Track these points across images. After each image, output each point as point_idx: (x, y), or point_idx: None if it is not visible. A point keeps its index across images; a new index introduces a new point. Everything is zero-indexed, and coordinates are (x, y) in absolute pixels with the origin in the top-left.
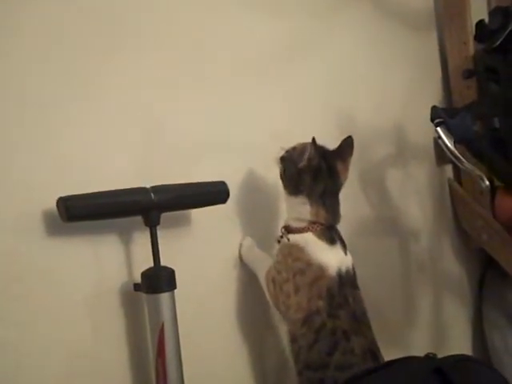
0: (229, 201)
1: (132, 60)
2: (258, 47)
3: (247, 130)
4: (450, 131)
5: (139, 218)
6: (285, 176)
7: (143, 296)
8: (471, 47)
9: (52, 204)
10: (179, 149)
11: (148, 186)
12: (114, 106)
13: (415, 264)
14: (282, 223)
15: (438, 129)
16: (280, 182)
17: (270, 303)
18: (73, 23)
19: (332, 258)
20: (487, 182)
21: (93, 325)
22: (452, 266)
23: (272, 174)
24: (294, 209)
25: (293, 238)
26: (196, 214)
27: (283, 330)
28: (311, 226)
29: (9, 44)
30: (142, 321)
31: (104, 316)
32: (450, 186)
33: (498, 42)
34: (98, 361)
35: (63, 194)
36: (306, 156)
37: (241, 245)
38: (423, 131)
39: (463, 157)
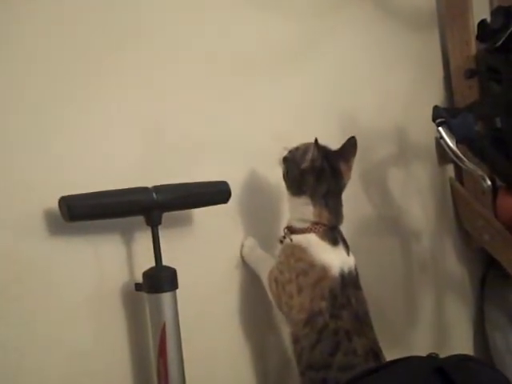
0: (231, 201)
1: (133, 60)
2: (260, 47)
3: (249, 129)
4: (451, 131)
5: (141, 218)
6: (288, 176)
7: (145, 296)
8: (473, 47)
9: (53, 204)
10: (181, 148)
11: (150, 185)
12: (115, 106)
13: (417, 264)
14: (284, 223)
15: (440, 129)
16: (283, 183)
17: (273, 303)
18: (73, 23)
19: (335, 259)
20: (489, 182)
21: (94, 325)
22: (454, 265)
23: (274, 174)
24: (296, 209)
25: (295, 238)
26: (198, 213)
27: (285, 331)
28: (314, 227)
29: (9, 44)
30: (143, 321)
31: (105, 316)
32: (452, 186)
33: (500, 42)
34: (99, 361)
35: (65, 194)
36: (309, 157)
37: (243, 245)
38: (425, 131)
39: (465, 157)
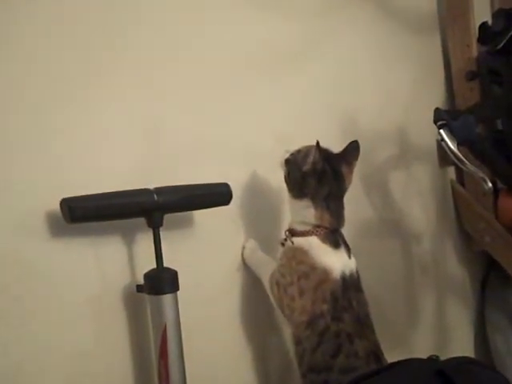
0: (232, 203)
1: (133, 60)
2: (261, 47)
3: (251, 132)
4: (452, 133)
5: (142, 220)
6: (289, 179)
7: (146, 297)
8: (474, 49)
9: (54, 205)
10: (182, 150)
11: (151, 187)
12: (115, 106)
13: (418, 266)
14: (285, 226)
15: (441, 131)
16: (284, 185)
17: (274, 305)
18: (73, 24)
19: (336, 262)
20: (490, 184)
21: (95, 326)
22: (454, 267)
23: (276, 177)
24: (298, 212)
25: (297, 241)
26: (199, 215)
27: (287, 332)
28: (315, 230)
29: (9, 44)
30: (144, 322)
31: (106, 317)
32: (453, 188)
33: (501, 44)
34: (100, 362)
35: (66, 196)
36: (311, 159)
37: (244, 247)
38: (426, 133)
39: (466, 159)
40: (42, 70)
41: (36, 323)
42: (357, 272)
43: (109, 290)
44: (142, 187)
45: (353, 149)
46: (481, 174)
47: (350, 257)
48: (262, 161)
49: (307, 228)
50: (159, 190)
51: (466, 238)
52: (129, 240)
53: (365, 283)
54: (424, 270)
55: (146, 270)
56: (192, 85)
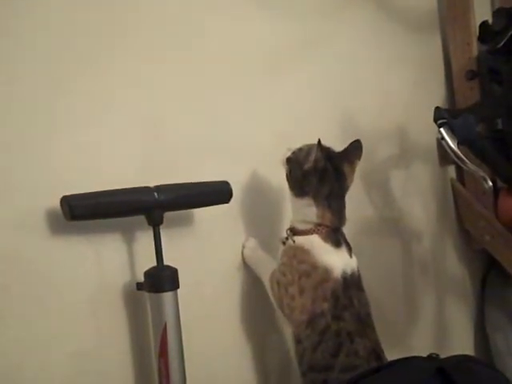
0: (232, 201)
1: (134, 60)
2: (262, 47)
3: (251, 130)
4: (453, 132)
5: (142, 218)
6: (290, 177)
7: (146, 295)
8: (474, 48)
9: (54, 203)
10: (183, 148)
11: (151, 185)
12: (116, 106)
13: (418, 264)
14: (285, 225)
15: (441, 130)
16: (285, 183)
17: (274, 305)
18: (73, 23)
19: (337, 261)
20: (490, 183)
21: (95, 324)
22: (454, 266)
23: (277, 175)
24: (299, 210)
25: (298, 239)
26: (199, 213)
27: (287, 331)
28: (317, 228)
29: (9, 45)
30: (144, 320)
31: (106, 315)
32: (453, 187)
33: (502, 43)
34: (100, 360)
35: (66, 193)
36: (312, 158)
37: (244, 246)
38: (426, 132)
39: (466, 158)
40: (41, 69)
41: (36, 321)
42: (358, 271)
43: (109, 288)
44: (142, 185)
45: (355, 148)
46: (481, 173)
47: (351, 256)
48: (263, 159)
49: (308, 226)
50: (159, 188)
51: (466, 236)
52: (129, 238)
53: (364, 281)
54: (424, 269)
55: (146, 268)
56: (194, 83)
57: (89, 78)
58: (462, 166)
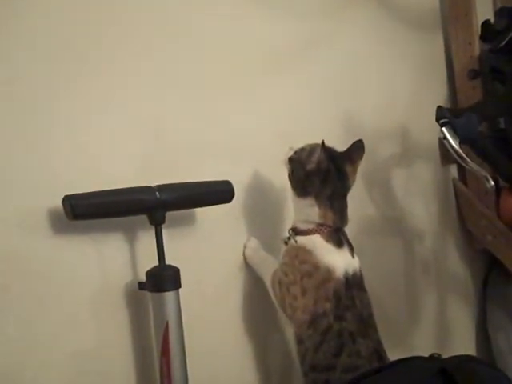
0: (234, 200)
1: (134, 59)
2: (263, 47)
3: (252, 129)
4: (455, 131)
5: (144, 217)
6: (293, 177)
7: (148, 295)
8: (477, 47)
9: (56, 203)
10: (183, 148)
11: (153, 184)
12: (118, 105)
13: (419, 264)
14: (288, 224)
15: (443, 129)
16: (287, 183)
17: (276, 305)
18: (73, 23)
19: (339, 261)
20: (492, 183)
21: (97, 323)
22: (456, 266)
23: (278, 175)
24: (301, 210)
25: (300, 240)
26: (201, 213)
27: (289, 331)
28: (319, 229)
29: (9, 45)
30: (146, 320)
31: (108, 315)
32: (455, 186)
33: (504, 43)
34: (102, 360)
35: (68, 193)
36: (315, 158)
37: (245, 246)
38: (428, 131)
39: (468, 157)
40: (41, 69)
41: (37, 321)
42: (360, 271)
43: (111, 287)
44: (144, 185)
45: (357, 148)
46: (483, 173)
47: (353, 256)
48: (264, 159)
49: (311, 226)
50: (161, 188)
51: (468, 236)
52: (131, 237)
53: (366, 281)
54: (426, 268)
55: (148, 268)
56: (196, 83)
57: (89, 77)
58: (464, 165)
